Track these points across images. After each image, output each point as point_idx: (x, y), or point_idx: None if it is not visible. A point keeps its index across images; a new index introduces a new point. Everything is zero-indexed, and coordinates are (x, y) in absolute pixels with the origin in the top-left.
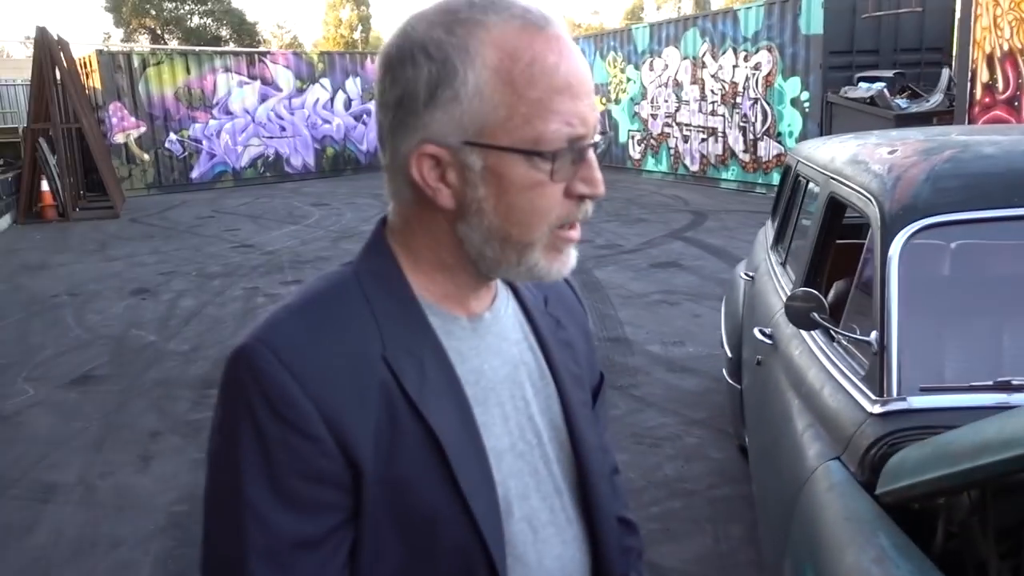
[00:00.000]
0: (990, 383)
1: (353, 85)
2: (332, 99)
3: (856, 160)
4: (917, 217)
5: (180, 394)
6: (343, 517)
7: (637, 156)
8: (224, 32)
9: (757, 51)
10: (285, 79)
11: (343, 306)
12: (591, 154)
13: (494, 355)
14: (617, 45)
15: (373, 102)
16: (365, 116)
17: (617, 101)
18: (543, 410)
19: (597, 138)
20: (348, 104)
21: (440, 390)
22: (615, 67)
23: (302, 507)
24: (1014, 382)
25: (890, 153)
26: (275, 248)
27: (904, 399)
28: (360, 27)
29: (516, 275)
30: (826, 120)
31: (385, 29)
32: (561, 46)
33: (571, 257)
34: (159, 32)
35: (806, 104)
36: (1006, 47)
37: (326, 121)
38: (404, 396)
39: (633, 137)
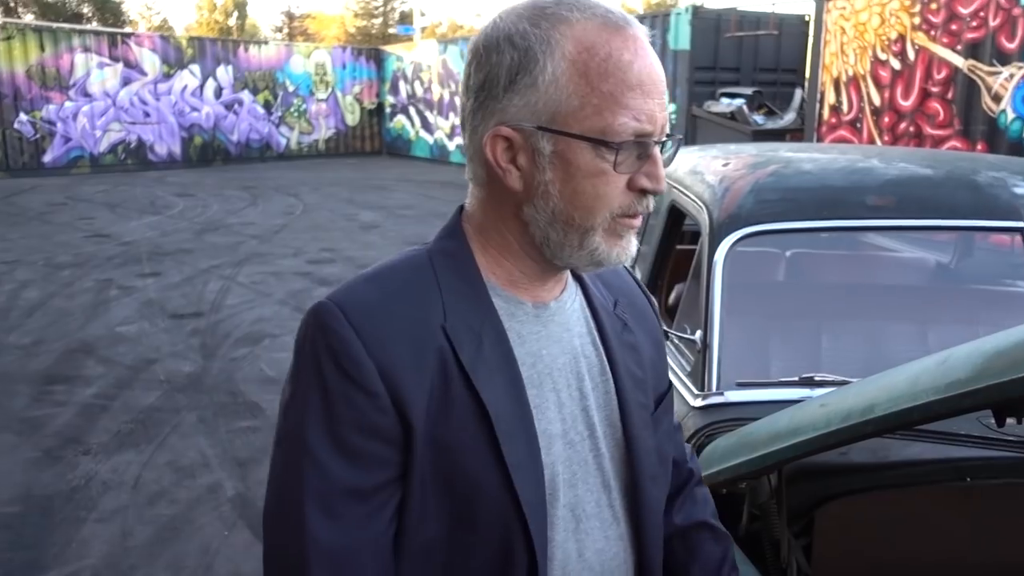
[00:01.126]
0: (796, 379)
1: (225, 73)
2: (202, 86)
3: (695, 171)
4: (741, 225)
5: (17, 389)
6: (393, 474)
7: None
8: (86, 9)
9: None
10: (151, 63)
11: (412, 278)
12: (656, 151)
13: (555, 343)
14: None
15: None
16: (237, 105)
17: None
18: (600, 405)
19: (666, 137)
20: (219, 92)
21: (495, 365)
22: None
23: (356, 458)
24: (816, 378)
25: (723, 166)
26: (133, 239)
27: (721, 393)
28: (236, 13)
29: (579, 259)
30: (690, 132)
31: (263, 17)
32: (637, 46)
33: (631, 244)
34: (12, 5)
35: (672, 116)
36: (851, 72)
37: (195, 109)
38: (458, 365)
39: None
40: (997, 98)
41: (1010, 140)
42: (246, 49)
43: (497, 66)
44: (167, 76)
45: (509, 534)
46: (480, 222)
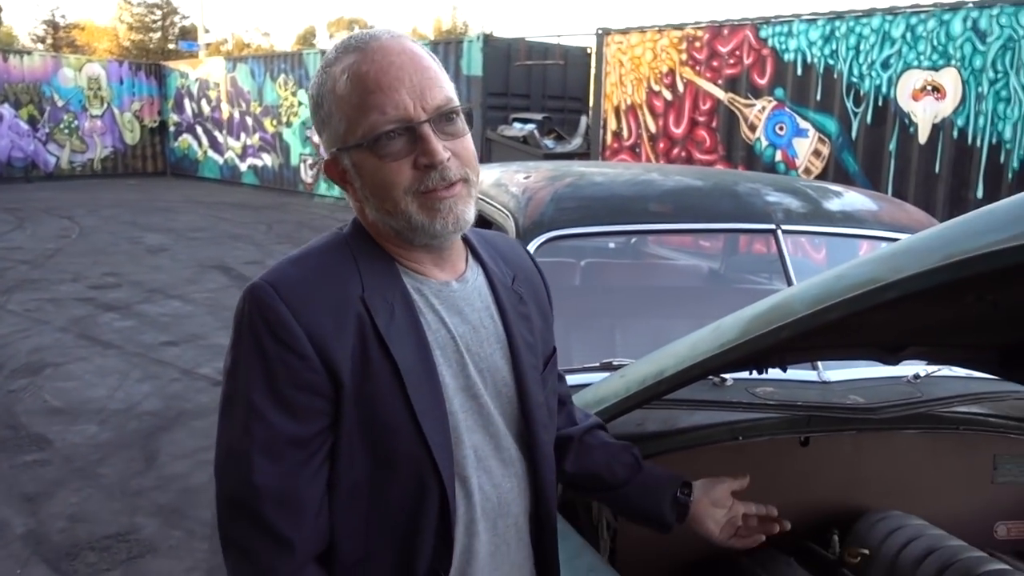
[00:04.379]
0: (596, 364)
1: None
2: None
3: (498, 183)
4: (544, 230)
5: None
6: (325, 423)
7: (309, 180)
8: None
9: None
10: None
11: (333, 258)
12: (424, 130)
13: (456, 314)
14: (288, 68)
15: None
16: None
17: (288, 124)
18: (495, 368)
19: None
20: None
21: (405, 329)
22: (286, 90)
23: (294, 411)
24: (614, 362)
25: (525, 178)
26: None
27: None
28: None
29: (420, 236)
30: (485, 154)
31: (20, 25)
32: (374, 56)
33: (455, 212)
34: None
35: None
36: (629, 101)
37: None
38: (375, 329)
39: (305, 161)
40: (753, 127)
41: (765, 164)
42: (5, 59)
43: (312, 111)
44: None
45: (421, 471)
46: (367, 226)
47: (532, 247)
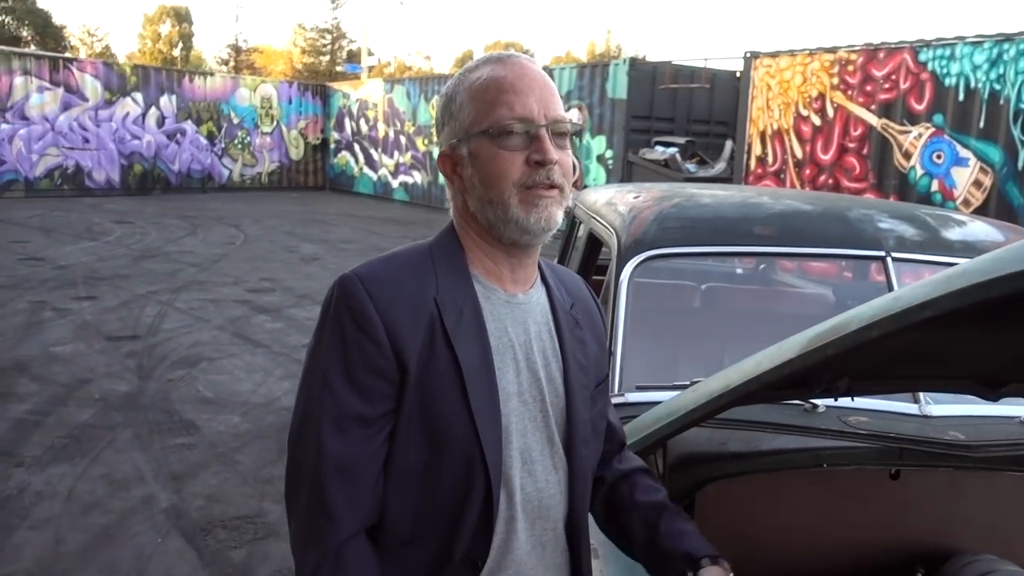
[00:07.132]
0: (686, 383)
1: (168, 102)
2: (144, 115)
3: (610, 202)
4: (645, 249)
5: None
6: (390, 407)
7: None
8: (25, 32)
9: (569, 109)
10: (92, 89)
11: (415, 262)
12: (542, 132)
13: (518, 324)
14: (441, 90)
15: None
16: (179, 135)
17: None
18: (549, 379)
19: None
20: (162, 121)
21: (470, 331)
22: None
23: (364, 392)
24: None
25: (635, 198)
26: (69, 263)
27: (623, 395)
28: (181, 44)
29: (512, 231)
30: (626, 177)
31: (208, 49)
32: (512, 66)
33: (549, 212)
34: None
35: (610, 161)
36: (775, 126)
37: (136, 137)
38: (443, 328)
39: None
40: (907, 155)
41: (919, 194)
42: (191, 79)
43: (439, 111)
44: (109, 103)
45: (471, 464)
46: (458, 223)
47: (632, 264)
